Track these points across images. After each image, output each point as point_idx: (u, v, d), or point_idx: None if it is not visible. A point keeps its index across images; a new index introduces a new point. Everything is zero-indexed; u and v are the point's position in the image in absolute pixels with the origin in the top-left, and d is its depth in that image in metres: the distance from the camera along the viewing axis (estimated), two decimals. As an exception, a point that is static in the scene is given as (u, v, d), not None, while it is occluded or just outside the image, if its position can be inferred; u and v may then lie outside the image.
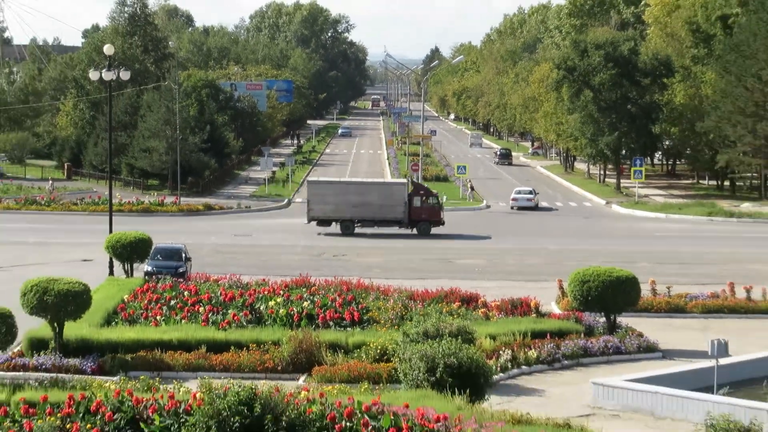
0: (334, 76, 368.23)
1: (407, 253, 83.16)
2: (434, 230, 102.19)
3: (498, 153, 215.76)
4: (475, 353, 40.11)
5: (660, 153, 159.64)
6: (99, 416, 32.69)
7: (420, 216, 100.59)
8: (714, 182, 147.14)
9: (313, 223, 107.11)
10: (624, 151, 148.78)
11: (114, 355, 44.89)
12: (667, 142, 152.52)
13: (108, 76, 76.82)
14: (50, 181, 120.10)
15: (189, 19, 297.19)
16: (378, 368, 41.21)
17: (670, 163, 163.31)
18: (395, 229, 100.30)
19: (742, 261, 78.57)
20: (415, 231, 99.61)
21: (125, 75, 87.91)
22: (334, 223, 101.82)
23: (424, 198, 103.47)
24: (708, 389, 39.64)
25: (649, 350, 49.08)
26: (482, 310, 53.11)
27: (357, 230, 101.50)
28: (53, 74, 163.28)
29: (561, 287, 56.60)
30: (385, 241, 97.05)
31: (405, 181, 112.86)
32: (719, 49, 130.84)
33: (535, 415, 35.94)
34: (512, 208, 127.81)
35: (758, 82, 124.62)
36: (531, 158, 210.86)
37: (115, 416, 32.74)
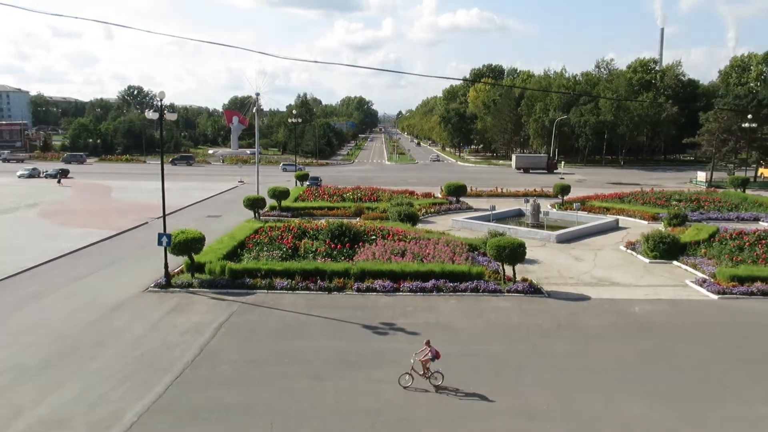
0: (368, 121, 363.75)
1: (391, 178, 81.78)
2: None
3: (416, 143, 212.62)
4: (414, 210, 40.31)
5: (474, 144, 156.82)
6: (292, 231, 32.69)
7: (550, 166, 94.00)
8: (492, 154, 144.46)
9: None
10: (461, 144, 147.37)
11: (297, 211, 44.91)
12: (475, 141, 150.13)
13: (293, 120, 75.92)
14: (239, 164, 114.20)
15: (319, 102, 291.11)
16: (383, 215, 41.09)
17: (477, 147, 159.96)
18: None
19: (500, 179, 75.19)
20: (547, 172, 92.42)
21: (299, 120, 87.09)
22: (522, 169, 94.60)
23: (552, 160, 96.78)
24: (489, 220, 39.56)
25: (470, 209, 47.90)
26: (416, 195, 52.11)
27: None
28: (275, 121, 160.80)
29: (441, 188, 54.28)
30: (384, 172, 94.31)
31: (544, 155, 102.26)
32: (493, 110, 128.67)
33: (433, 229, 35.90)
34: (431, 160, 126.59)
35: (504, 122, 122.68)
36: (429, 146, 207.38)
37: (297, 230, 32.72)
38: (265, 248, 29.50)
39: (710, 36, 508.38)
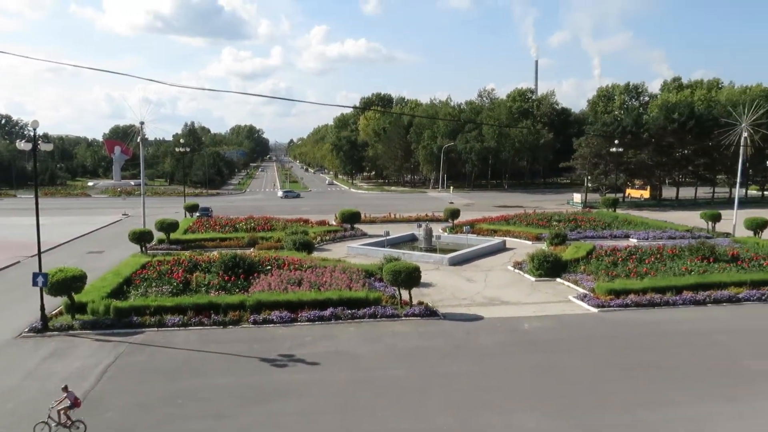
0: (259, 149, 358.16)
1: (285, 206, 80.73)
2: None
3: (306, 170, 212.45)
4: (309, 238, 39.94)
5: (366, 171, 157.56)
6: (182, 264, 31.36)
7: None
8: (384, 180, 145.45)
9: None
10: (353, 171, 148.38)
11: (188, 243, 42.98)
12: (367, 168, 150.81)
13: (181, 149, 73.14)
14: (123, 197, 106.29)
15: (208, 130, 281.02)
16: (278, 244, 40.14)
17: (370, 174, 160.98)
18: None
19: (393, 205, 75.69)
20: None
21: (187, 149, 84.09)
22: None
23: None
24: (383, 246, 39.92)
25: (365, 235, 48.05)
26: (310, 224, 51.29)
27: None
28: (161, 150, 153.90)
29: (336, 215, 53.91)
30: (277, 200, 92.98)
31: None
32: (384, 138, 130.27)
33: (329, 256, 35.76)
34: (327, 184, 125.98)
35: (395, 149, 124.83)
36: (314, 172, 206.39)
37: (188, 263, 31.47)
38: (153, 284, 28.00)
39: (578, 68, 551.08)
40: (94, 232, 53.24)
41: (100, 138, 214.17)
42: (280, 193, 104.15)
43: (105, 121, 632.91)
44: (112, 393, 17.68)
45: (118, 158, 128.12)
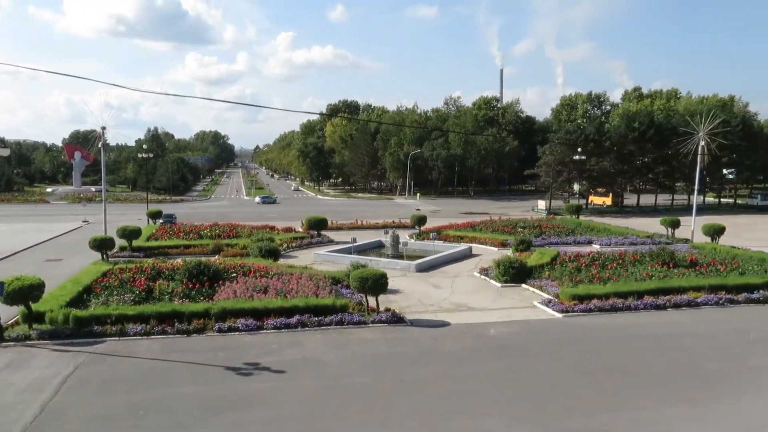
0: (224, 155, 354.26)
1: (250, 213, 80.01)
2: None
3: (272, 176, 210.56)
4: (275, 245, 39.55)
5: (333, 177, 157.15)
6: (145, 272, 30.72)
7: None
8: (351, 187, 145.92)
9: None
10: (320, 177, 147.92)
11: (151, 250, 42.08)
12: (334, 174, 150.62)
13: (144, 155, 71.94)
14: (84, 203, 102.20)
15: (172, 136, 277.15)
16: (243, 251, 39.61)
17: (336, 181, 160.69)
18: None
19: (360, 211, 76.29)
20: None
21: (150, 155, 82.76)
22: None
23: None
24: (350, 253, 39.78)
25: (331, 242, 47.77)
26: (276, 230, 51.00)
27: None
28: (124, 156, 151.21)
29: (302, 222, 53.50)
30: (243, 207, 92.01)
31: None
32: (350, 144, 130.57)
33: (295, 263, 35.47)
34: (292, 190, 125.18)
35: (362, 156, 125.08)
36: (284, 179, 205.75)
37: (151, 271, 30.81)
38: (115, 292, 27.34)
39: (542, 77, 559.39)
40: (52, 240, 51.87)
41: (59, 143, 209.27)
42: (257, 199, 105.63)
43: (65, 125, 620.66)
44: (71, 404, 17.18)
45: (78, 164, 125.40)
